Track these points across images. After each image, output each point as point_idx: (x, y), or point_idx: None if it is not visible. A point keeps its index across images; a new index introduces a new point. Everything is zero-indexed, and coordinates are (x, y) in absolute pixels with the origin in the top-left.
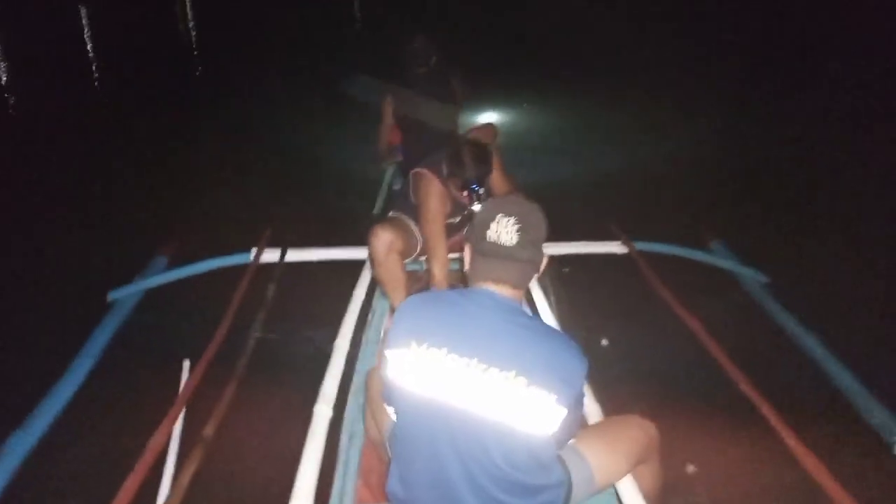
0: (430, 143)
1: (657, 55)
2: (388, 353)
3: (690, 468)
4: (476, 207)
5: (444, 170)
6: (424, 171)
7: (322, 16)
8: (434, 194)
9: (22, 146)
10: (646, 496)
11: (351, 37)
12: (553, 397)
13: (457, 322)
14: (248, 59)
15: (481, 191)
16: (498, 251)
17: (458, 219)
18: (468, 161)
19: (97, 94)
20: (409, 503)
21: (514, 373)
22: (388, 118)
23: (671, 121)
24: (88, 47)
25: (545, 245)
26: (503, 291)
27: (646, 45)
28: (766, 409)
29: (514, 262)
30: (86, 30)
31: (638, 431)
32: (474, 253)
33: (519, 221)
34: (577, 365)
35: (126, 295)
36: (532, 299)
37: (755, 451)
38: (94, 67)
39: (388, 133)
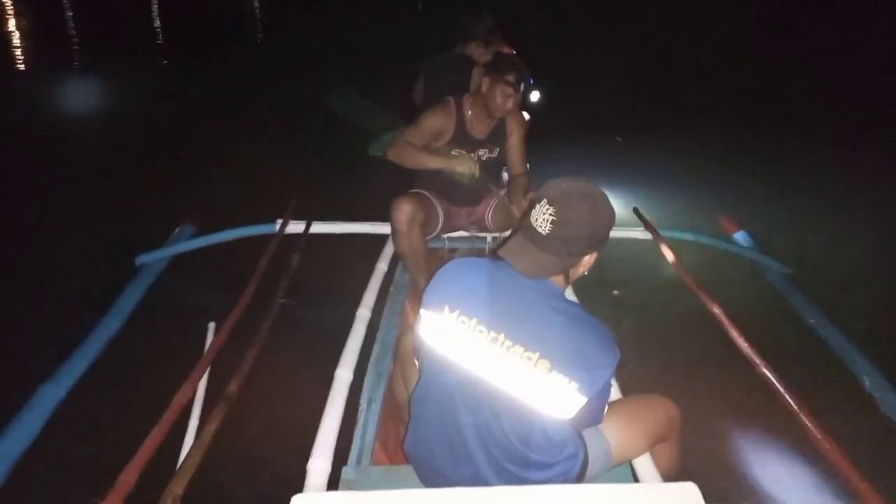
0: None
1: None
2: (422, 311)
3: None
4: (534, 98)
5: (490, 76)
6: (449, 98)
7: None
8: (439, 117)
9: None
10: (661, 474)
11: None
12: (574, 385)
13: (492, 295)
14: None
15: (533, 83)
16: (532, 235)
17: (460, 150)
18: (518, 60)
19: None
20: (424, 463)
21: (538, 354)
22: None
23: None
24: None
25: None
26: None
27: None
28: (785, 391)
29: (540, 252)
30: None
31: (660, 411)
32: (520, 228)
33: (557, 214)
34: (605, 357)
35: (153, 260)
36: None
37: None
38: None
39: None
